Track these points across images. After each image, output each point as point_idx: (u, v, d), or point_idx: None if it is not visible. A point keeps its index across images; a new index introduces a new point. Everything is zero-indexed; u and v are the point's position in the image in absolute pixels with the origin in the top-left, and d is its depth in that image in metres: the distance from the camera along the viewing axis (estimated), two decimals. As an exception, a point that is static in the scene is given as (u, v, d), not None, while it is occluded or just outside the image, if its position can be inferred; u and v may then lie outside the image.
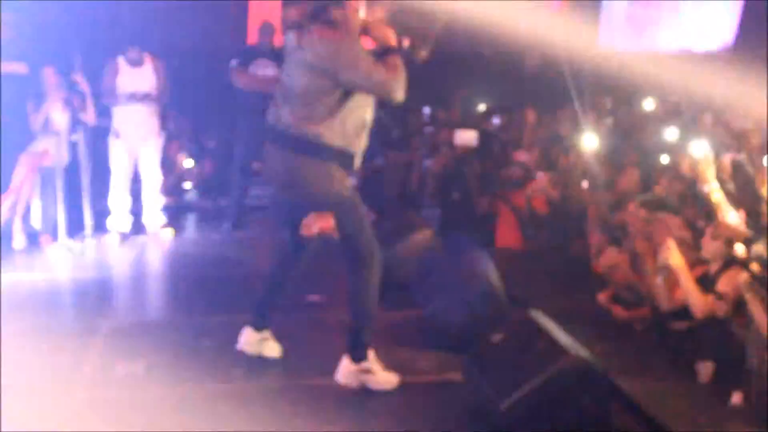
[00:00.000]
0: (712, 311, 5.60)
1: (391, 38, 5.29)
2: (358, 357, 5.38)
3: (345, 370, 5.40)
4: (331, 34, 5.16)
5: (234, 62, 10.35)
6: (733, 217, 5.94)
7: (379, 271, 5.39)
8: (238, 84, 10.34)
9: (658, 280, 6.15)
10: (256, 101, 9.60)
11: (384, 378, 5.41)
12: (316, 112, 5.13)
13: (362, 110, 5.29)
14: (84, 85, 9.10)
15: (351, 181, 5.39)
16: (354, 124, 5.26)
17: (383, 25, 5.37)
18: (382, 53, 5.25)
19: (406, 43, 5.38)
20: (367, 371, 5.38)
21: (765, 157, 7.20)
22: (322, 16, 5.19)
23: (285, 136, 5.23)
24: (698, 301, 5.66)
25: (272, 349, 5.79)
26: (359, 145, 5.33)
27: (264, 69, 10.10)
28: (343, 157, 5.27)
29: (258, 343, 5.74)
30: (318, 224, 5.37)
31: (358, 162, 5.37)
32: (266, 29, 10.82)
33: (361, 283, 5.35)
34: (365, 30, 5.35)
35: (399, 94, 5.18)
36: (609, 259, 7.00)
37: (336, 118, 5.17)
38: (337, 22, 5.20)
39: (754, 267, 5.36)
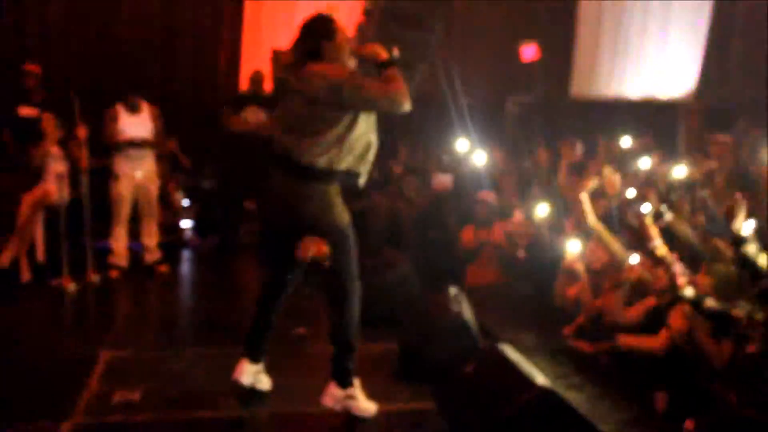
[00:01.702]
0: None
1: (382, 53, 5.24)
2: (345, 384, 5.39)
3: (332, 395, 5.41)
4: (330, 67, 5.16)
5: (226, 108, 10.48)
6: (678, 268, 6.11)
7: (359, 303, 5.39)
8: (231, 128, 10.47)
9: (616, 295, 6.30)
10: (248, 145, 9.74)
11: (365, 406, 5.43)
12: (325, 142, 5.10)
13: (367, 135, 5.27)
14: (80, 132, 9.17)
15: (348, 216, 5.33)
16: (361, 148, 5.25)
17: (371, 44, 5.36)
18: (379, 69, 5.20)
19: (395, 51, 5.38)
20: (352, 397, 5.40)
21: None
22: (316, 53, 5.21)
23: (293, 166, 5.18)
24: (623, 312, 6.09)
25: (264, 382, 5.73)
26: (366, 166, 5.33)
27: (255, 114, 10.25)
28: (349, 177, 5.28)
29: (253, 374, 5.67)
30: (314, 248, 5.21)
31: (363, 181, 5.36)
32: (256, 77, 10.97)
33: (342, 314, 5.35)
34: (356, 54, 5.36)
35: (406, 104, 5.10)
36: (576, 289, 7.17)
37: (344, 146, 5.15)
38: (330, 55, 5.21)
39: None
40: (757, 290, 5.21)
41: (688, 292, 5.52)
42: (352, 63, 5.33)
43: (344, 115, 5.12)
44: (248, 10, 12.95)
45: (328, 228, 5.25)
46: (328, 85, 5.06)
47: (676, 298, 5.77)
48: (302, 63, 5.22)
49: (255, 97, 10.62)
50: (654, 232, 6.61)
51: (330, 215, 5.25)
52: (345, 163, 5.20)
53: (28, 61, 10.37)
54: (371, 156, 5.35)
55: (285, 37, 12.32)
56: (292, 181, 5.24)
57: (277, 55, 11.28)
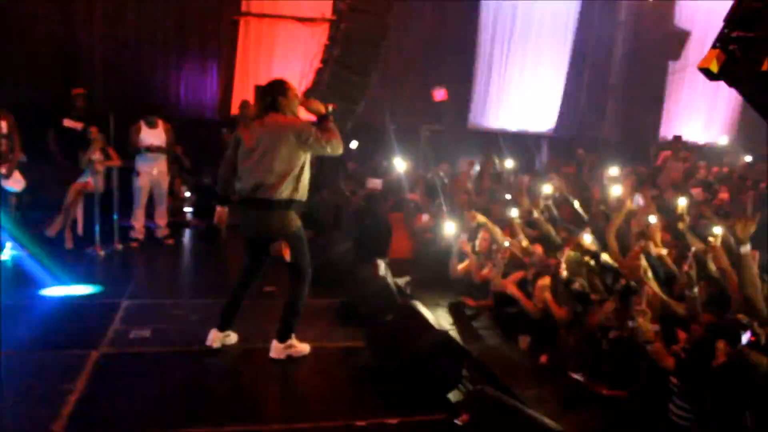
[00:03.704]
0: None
1: (322, 109, 5.21)
2: (284, 338, 5.29)
3: (275, 349, 5.28)
4: (285, 118, 5.08)
5: (224, 130, 10.32)
6: (536, 256, 6.17)
7: (309, 285, 5.30)
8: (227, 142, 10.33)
9: (495, 272, 6.36)
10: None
11: (301, 347, 5.34)
12: (287, 181, 5.02)
13: (309, 172, 5.21)
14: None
15: (300, 223, 5.25)
16: (306, 182, 5.18)
17: (314, 101, 5.30)
18: (319, 121, 5.15)
19: (330, 107, 5.34)
20: (291, 346, 5.30)
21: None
22: (274, 106, 5.10)
23: (260, 201, 5.07)
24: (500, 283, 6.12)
25: (233, 337, 5.55)
26: (306, 195, 5.25)
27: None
28: (301, 205, 5.23)
29: (221, 339, 5.48)
30: (280, 249, 5.15)
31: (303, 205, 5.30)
32: (244, 105, 10.83)
33: (297, 293, 5.26)
34: (304, 106, 5.26)
35: (340, 149, 5.16)
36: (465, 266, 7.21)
37: (300, 182, 5.09)
38: (285, 107, 5.11)
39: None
40: (619, 289, 5.21)
41: (565, 273, 5.57)
42: (300, 113, 5.26)
43: (301, 157, 5.04)
44: (240, 32, 12.62)
45: (288, 236, 5.16)
46: (295, 132, 5.00)
47: (541, 274, 5.84)
48: (265, 114, 5.11)
49: (243, 120, 10.45)
50: (519, 229, 6.68)
51: (288, 228, 5.15)
52: (299, 195, 5.13)
53: (76, 86, 10.17)
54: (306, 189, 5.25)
55: (267, 60, 12.23)
56: (261, 211, 5.12)
57: (245, 109, 10.95)
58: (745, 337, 3.81)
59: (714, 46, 2.34)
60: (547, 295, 5.48)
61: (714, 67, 2.34)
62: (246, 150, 5.14)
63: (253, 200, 5.12)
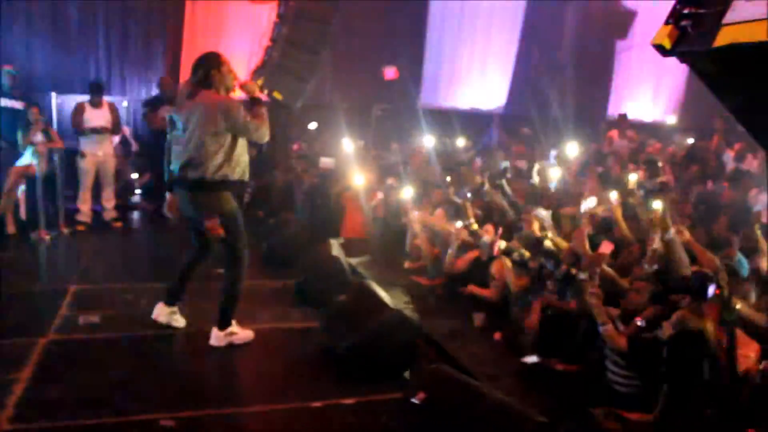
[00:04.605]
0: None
1: (257, 92, 5.06)
2: (224, 326, 5.14)
3: (216, 337, 5.14)
4: (216, 96, 4.87)
5: (144, 109, 10.02)
6: (486, 238, 6.19)
7: (245, 269, 5.14)
8: (151, 125, 9.93)
9: (449, 251, 6.39)
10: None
11: (244, 334, 5.22)
12: (217, 160, 4.82)
13: (245, 154, 5.03)
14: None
15: (235, 204, 5.09)
16: (243, 162, 5.00)
17: (250, 82, 5.16)
18: (252, 103, 5.03)
19: (275, 94, 5.17)
20: (232, 333, 5.16)
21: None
22: (207, 81, 4.88)
23: (190, 181, 4.88)
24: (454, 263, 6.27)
25: (179, 321, 5.44)
26: (247, 175, 5.09)
27: (169, 111, 9.87)
28: (240, 185, 5.11)
29: (168, 315, 5.40)
30: (213, 227, 4.92)
31: (246, 187, 5.11)
32: (164, 82, 10.38)
33: (233, 276, 5.11)
34: (239, 85, 5.11)
35: (266, 137, 5.00)
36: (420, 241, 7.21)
37: (232, 159, 4.88)
38: (218, 82, 4.89)
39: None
40: (562, 274, 5.25)
41: (503, 245, 5.64)
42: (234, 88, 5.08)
43: (228, 136, 4.84)
44: (187, 10, 12.24)
45: (221, 217, 4.95)
46: (223, 111, 4.80)
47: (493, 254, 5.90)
48: (197, 91, 4.89)
49: (167, 97, 9.97)
50: (470, 212, 6.69)
51: (222, 209, 4.95)
52: (234, 174, 4.94)
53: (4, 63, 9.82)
54: (248, 168, 5.09)
55: (215, 38, 11.96)
56: (192, 191, 4.95)
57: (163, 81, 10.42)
58: (711, 290, 3.90)
59: (667, 22, 2.34)
60: (508, 263, 5.55)
61: (667, 44, 2.34)
62: (178, 130, 4.97)
63: (184, 180, 4.94)
